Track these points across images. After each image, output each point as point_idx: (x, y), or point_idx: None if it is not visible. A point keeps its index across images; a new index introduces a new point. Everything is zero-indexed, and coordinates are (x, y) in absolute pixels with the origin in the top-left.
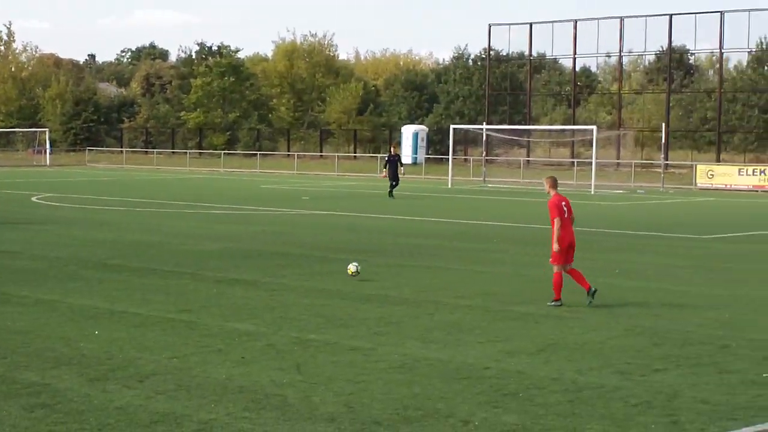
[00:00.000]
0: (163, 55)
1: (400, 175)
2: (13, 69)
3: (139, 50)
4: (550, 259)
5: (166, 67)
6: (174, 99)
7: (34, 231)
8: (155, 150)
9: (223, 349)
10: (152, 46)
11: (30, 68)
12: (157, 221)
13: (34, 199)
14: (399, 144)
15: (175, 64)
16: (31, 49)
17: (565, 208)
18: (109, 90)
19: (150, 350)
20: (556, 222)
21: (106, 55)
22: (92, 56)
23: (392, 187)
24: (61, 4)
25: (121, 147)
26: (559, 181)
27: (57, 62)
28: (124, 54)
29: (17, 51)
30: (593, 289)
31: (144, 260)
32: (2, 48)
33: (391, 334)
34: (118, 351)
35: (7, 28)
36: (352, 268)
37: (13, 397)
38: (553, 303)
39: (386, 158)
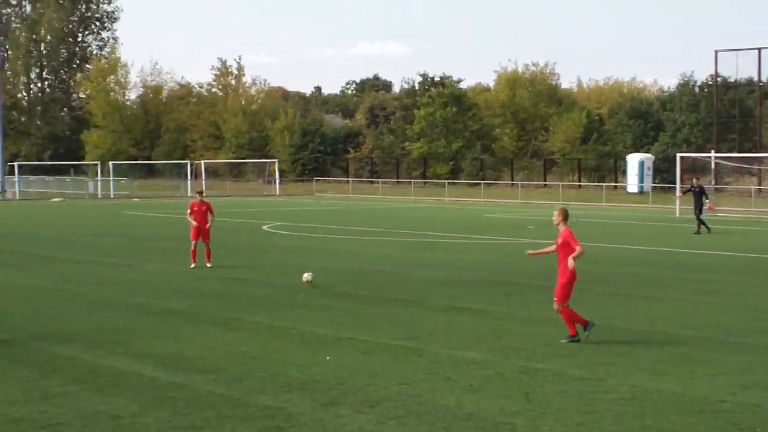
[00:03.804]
0: (387, 86)
1: (704, 207)
2: (243, 102)
3: (363, 82)
4: (558, 300)
5: (389, 98)
6: (398, 129)
7: (265, 259)
8: (380, 180)
9: (451, 377)
10: (376, 78)
11: (259, 101)
12: (383, 250)
13: (264, 227)
14: (624, 173)
15: (398, 95)
16: (260, 82)
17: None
18: (335, 121)
19: (379, 376)
20: (579, 249)
21: (332, 87)
22: (318, 89)
23: (700, 220)
24: (287, 39)
25: (347, 177)
26: None
27: (285, 95)
28: (348, 86)
29: (247, 85)
30: (591, 323)
31: (371, 288)
32: (233, 82)
33: (619, 365)
34: (349, 377)
35: (237, 62)
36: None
37: (249, 419)
38: (571, 340)
39: (688, 189)
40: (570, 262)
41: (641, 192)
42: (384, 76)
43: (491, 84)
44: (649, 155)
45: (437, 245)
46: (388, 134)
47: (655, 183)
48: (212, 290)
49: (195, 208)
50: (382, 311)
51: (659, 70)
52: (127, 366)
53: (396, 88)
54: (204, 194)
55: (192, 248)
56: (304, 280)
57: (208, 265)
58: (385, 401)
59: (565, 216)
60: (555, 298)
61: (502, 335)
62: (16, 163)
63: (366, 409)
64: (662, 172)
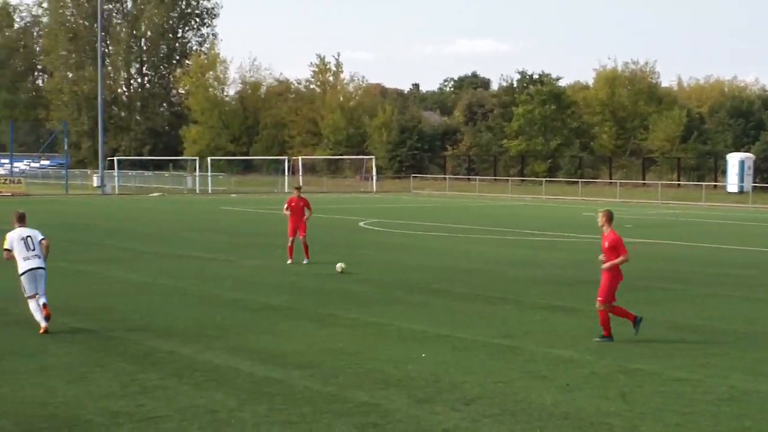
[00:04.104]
0: (485, 84)
1: None
2: (341, 99)
3: (461, 79)
4: (602, 299)
5: (487, 95)
6: (496, 127)
7: (361, 255)
8: (477, 177)
9: (547, 376)
10: (474, 75)
11: (357, 98)
12: (480, 247)
13: (361, 224)
14: (724, 173)
15: (496, 92)
16: (358, 79)
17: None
18: (433, 118)
19: (475, 374)
20: (623, 258)
21: (430, 84)
22: (416, 85)
23: None
24: (386, 36)
25: (444, 174)
26: None
27: (383, 92)
28: (446, 83)
29: (345, 81)
30: (639, 318)
31: (468, 286)
32: (331, 79)
33: (718, 366)
34: (444, 374)
35: (336, 59)
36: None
37: (346, 415)
38: (602, 339)
39: None
40: (606, 266)
41: (741, 192)
42: (482, 73)
43: (590, 82)
44: (749, 154)
45: (534, 243)
46: (486, 132)
47: (755, 182)
48: (309, 286)
49: (293, 204)
50: (479, 309)
51: (761, 68)
52: (224, 361)
53: (494, 86)
54: (302, 190)
55: (289, 244)
56: (338, 269)
57: (305, 261)
58: (480, 399)
59: (609, 218)
60: (599, 297)
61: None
62: (115, 158)
63: (461, 407)
64: (763, 171)
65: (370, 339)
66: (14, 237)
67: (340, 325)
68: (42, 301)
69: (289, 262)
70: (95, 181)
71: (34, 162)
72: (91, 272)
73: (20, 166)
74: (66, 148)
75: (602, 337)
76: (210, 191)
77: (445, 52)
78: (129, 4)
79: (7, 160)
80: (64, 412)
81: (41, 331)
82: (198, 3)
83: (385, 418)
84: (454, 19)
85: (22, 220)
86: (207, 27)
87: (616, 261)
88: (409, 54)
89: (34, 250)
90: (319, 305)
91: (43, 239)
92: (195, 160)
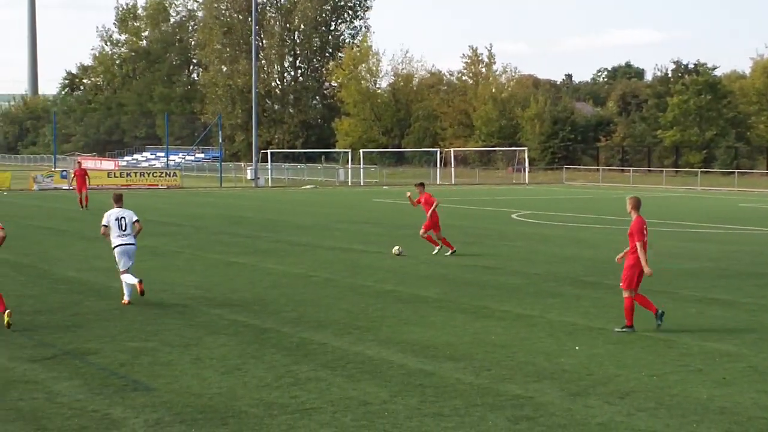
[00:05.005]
0: (639, 74)
1: None
2: (493, 90)
3: (614, 70)
4: (622, 284)
5: (642, 85)
6: (650, 117)
7: (513, 247)
8: (631, 168)
9: (703, 369)
10: (627, 66)
11: (509, 89)
12: None
13: (513, 216)
14: None
15: (650, 82)
16: (511, 70)
17: (645, 232)
18: (586, 109)
19: (629, 367)
20: (639, 246)
21: (582, 74)
22: (569, 76)
23: None
24: (539, 27)
25: (597, 165)
26: None
27: (535, 83)
28: (599, 74)
29: (497, 73)
30: (660, 311)
31: (620, 278)
32: (483, 70)
33: None
34: (598, 367)
35: (488, 50)
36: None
37: (498, 408)
38: (624, 329)
39: None
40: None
41: None
42: (636, 63)
43: (747, 71)
44: None
45: (688, 235)
46: (640, 122)
47: None
48: (460, 278)
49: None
50: None
51: None
52: (376, 353)
53: (648, 76)
54: (425, 185)
55: (424, 236)
56: (395, 252)
57: (448, 252)
58: (635, 392)
59: (635, 205)
60: (621, 284)
61: (757, 328)
62: (269, 151)
63: (616, 400)
64: None
65: (521, 331)
66: (111, 216)
67: (492, 317)
68: (136, 279)
69: (435, 251)
70: (249, 174)
71: (189, 155)
72: (245, 264)
73: (176, 159)
74: (220, 141)
75: (625, 327)
76: (362, 183)
77: (598, 43)
78: None
79: (163, 153)
80: (219, 403)
81: (124, 302)
82: None
83: (537, 411)
84: (608, 9)
85: (119, 201)
86: (360, 20)
87: (642, 254)
88: (562, 45)
89: (125, 230)
90: (470, 297)
91: (136, 221)
92: (347, 152)
